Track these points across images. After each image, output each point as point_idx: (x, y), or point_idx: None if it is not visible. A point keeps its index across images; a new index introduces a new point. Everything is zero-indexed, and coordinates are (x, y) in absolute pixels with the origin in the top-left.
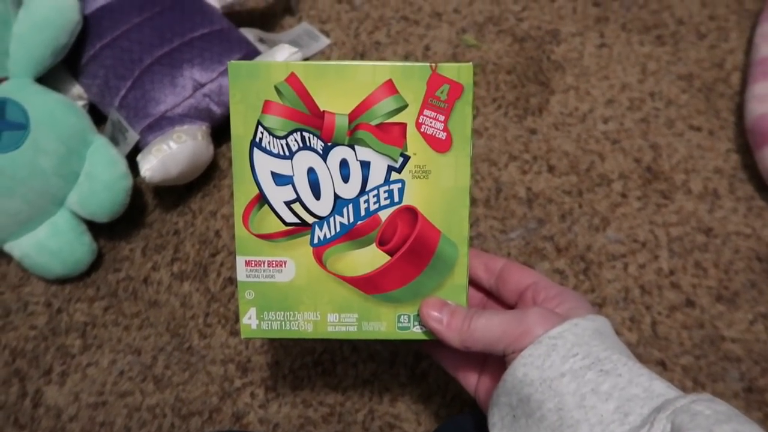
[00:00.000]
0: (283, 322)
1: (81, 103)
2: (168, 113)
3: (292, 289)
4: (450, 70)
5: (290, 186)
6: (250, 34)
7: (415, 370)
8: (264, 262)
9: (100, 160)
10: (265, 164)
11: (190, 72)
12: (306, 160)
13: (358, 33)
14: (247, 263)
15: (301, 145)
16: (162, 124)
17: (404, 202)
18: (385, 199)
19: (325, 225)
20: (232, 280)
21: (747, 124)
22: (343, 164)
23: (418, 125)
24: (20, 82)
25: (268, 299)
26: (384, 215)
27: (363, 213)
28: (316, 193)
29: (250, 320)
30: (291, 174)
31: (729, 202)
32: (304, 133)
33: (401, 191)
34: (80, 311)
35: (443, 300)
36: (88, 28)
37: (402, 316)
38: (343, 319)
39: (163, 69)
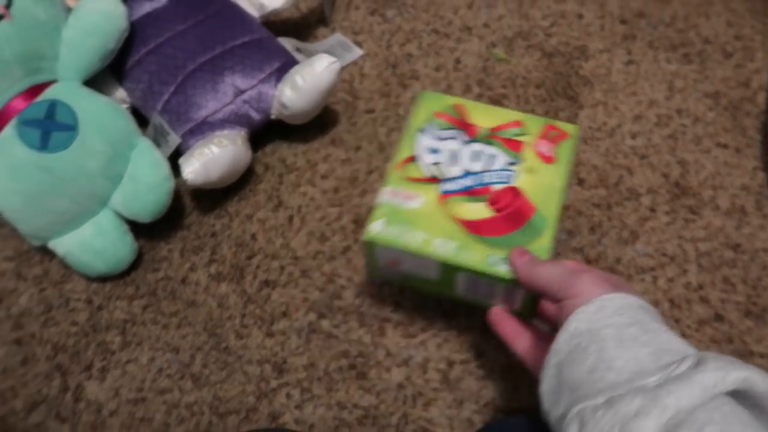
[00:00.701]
0: (399, 235)
1: (124, 106)
2: (209, 118)
3: (416, 214)
4: (562, 124)
5: (437, 155)
6: (287, 43)
7: (448, 376)
8: (402, 193)
9: (145, 162)
10: (424, 142)
11: (231, 79)
12: (453, 144)
13: (390, 45)
14: (391, 193)
15: (452, 136)
16: (203, 128)
17: (512, 184)
18: (499, 178)
19: (454, 182)
20: (268, 283)
21: None
22: (476, 152)
23: (534, 146)
24: (69, 85)
25: (397, 216)
26: (495, 187)
27: (482, 182)
28: (453, 163)
29: (377, 226)
30: (440, 150)
31: (756, 219)
32: (457, 131)
33: (511, 177)
34: (120, 309)
35: (527, 249)
36: (133, 34)
37: (491, 256)
38: (446, 244)
39: (205, 75)
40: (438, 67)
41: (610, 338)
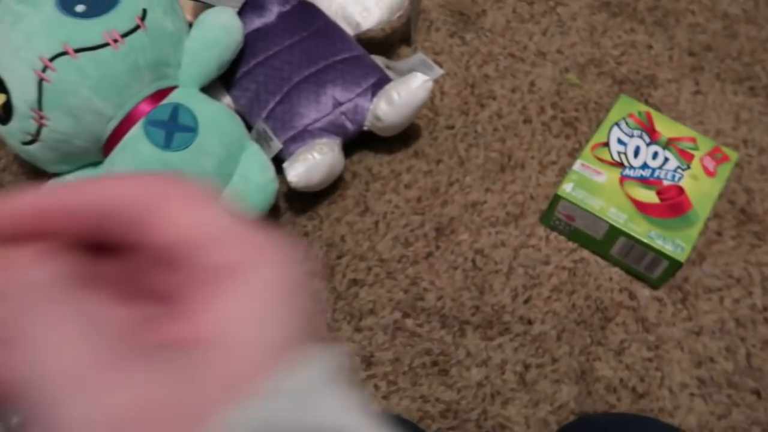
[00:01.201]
0: (584, 199)
1: None
2: (309, 127)
3: (599, 186)
4: (726, 149)
5: (624, 146)
6: (379, 60)
7: (525, 378)
8: (591, 168)
9: (254, 164)
10: (616, 133)
11: (332, 91)
12: (638, 141)
13: (469, 66)
14: (582, 165)
15: (639, 135)
16: (304, 136)
17: (678, 183)
18: (669, 176)
19: (633, 170)
20: (356, 281)
21: None
22: (655, 152)
23: (701, 160)
24: (189, 91)
25: (583, 183)
26: (665, 182)
27: (656, 175)
28: (635, 155)
29: (568, 187)
30: (627, 143)
31: None
32: (642, 133)
33: (679, 178)
34: None
35: None
36: (244, 47)
37: (651, 231)
38: (618, 214)
39: (309, 87)
40: (514, 88)
41: None
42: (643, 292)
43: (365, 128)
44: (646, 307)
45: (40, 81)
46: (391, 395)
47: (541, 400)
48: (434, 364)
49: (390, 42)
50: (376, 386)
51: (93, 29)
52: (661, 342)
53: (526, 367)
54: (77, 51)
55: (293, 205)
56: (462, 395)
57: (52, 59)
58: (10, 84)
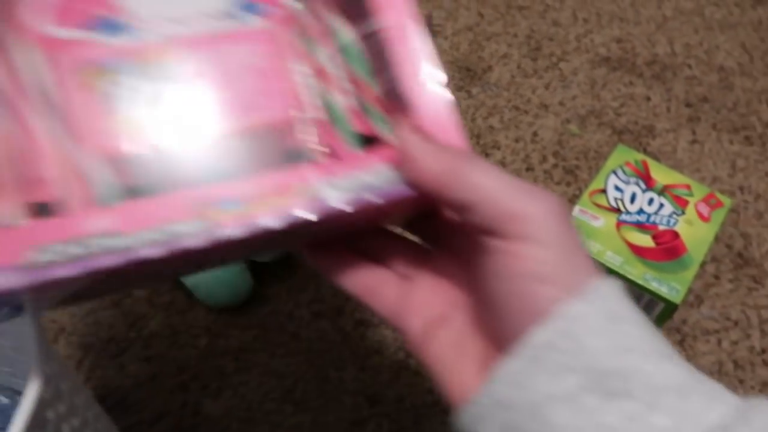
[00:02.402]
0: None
1: None
2: None
3: (596, 231)
4: (720, 195)
5: (621, 193)
6: None
7: None
8: (589, 213)
9: None
10: (613, 180)
11: None
12: (634, 188)
13: (475, 118)
14: (581, 211)
15: (635, 182)
16: None
17: (674, 228)
18: (665, 221)
19: (629, 215)
20: (363, 322)
21: None
22: (651, 198)
23: (696, 206)
24: None
25: (582, 228)
26: (661, 227)
27: (651, 221)
28: (632, 201)
29: None
30: (623, 189)
31: None
32: (638, 180)
33: (674, 223)
34: (234, 337)
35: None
36: None
37: (647, 275)
38: (615, 257)
39: None
40: (517, 138)
41: (560, 425)
42: None
43: None
44: None
45: None
46: None
47: None
48: (437, 403)
49: None
50: (379, 424)
51: None
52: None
53: None
54: None
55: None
56: None
57: None
58: None
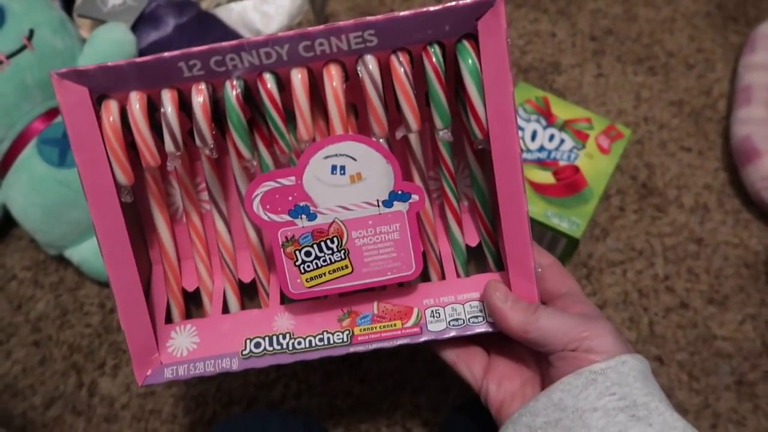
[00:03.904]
0: None
1: None
2: None
3: None
4: (620, 126)
5: (521, 131)
6: None
7: (432, 366)
8: None
9: None
10: None
11: None
12: (535, 125)
13: None
14: None
15: (534, 119)
16: None
17: (574, 162)
18: (565, 157)
19: (530, 153)
20: None
21: (732, 144)
22: (552, 134)
23: (596, 138)
24: None
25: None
26: (561, 163)
27: (552, 157)
28: (533, 139)
29: None
30: (524, 128)
31: (718, 215)
32: (540, 117)
33: (575, 158)
34: None
35: (507, 290)
36: None
37: (548, 211)
38: None
39: None
40: None
41: (596, 428)
42: None
43: None
44: None
45: None
46: (302, 394)
47: (450, 387)
48: (345, 359)
49: None
50: (286, 386)
51: None
52: None
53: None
54: None
55: None
56: (372, 387)
57: None
58: None
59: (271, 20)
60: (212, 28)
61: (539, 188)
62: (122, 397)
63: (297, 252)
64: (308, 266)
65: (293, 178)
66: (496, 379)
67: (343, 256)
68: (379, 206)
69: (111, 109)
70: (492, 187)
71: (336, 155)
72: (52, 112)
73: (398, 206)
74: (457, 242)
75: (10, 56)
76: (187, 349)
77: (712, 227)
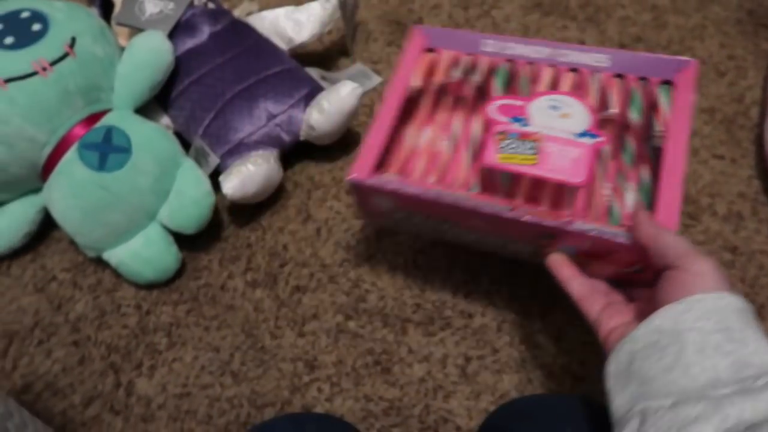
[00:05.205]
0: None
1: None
2: (245, 140)
3: None
4: None
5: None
6: (314, 72)
7: (466, 370)
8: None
9: (189, 180)
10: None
11: (265, 105)
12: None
13: None
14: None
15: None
16: (240, 149)
17: None
18: None
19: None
20: (299, 288)
21: (766, 152)
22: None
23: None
24: (123, 113)
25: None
26: None
27: None
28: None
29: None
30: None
31: (752, 224)
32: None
33: None
34: (166, 313)
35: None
36: (177, 67)
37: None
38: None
39: (241, 102)
40: None
41: (692, 343)
42: None
43: (302, 138)
44: None
45: None
46: (334, 397)
47: (483, 391)
48: (377, 363)
49: (330, 54)
50: (319, 389)
51: (21, 59)
52: None
53: (468, 359)
54: (6, 81)
55: (236, 217)
56: (404, 392)
57: None
58: None
59: (302, 28)
60: (246, 35)
61: None
62: (158, 398)
63: (503, 140)
64: (506, 150)
65: (523, 102)
66: (608, 315)
67: (533, 153)
68: (573, 136)
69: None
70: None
71: (556, 101)
72: (93, 118)
73: (586, 140)
74: (625, 184)
75: (53, 63)
76: (393, 180)
77: (747, 236)
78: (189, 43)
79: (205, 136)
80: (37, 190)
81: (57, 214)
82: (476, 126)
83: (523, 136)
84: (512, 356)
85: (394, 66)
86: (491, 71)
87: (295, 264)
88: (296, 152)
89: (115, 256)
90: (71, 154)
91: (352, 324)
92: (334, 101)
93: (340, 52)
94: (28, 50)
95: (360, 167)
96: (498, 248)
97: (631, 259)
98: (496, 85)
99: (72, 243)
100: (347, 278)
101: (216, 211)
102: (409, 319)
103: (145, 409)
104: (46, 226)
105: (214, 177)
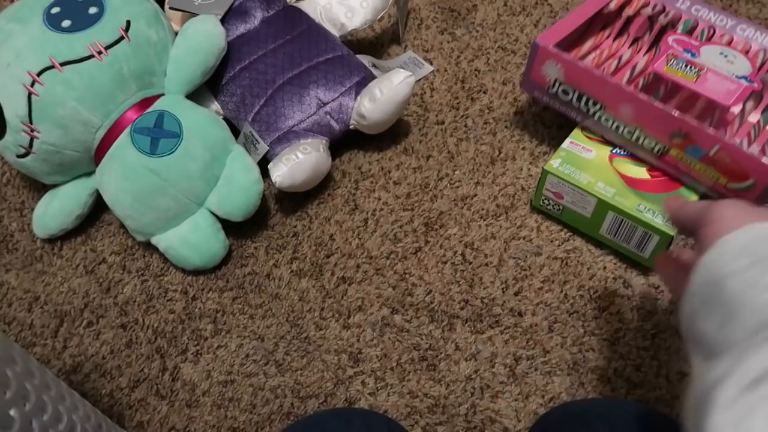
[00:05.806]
0: (571, 174)
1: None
2: (294, 128)
3: (587, 162)
4: None
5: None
6: (365, 60)
7: (515, 370)
8: (580, 145)
9: (239, 167)
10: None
11: (316, 92)
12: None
13: (459, 61)
14: (571, 143)
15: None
16: (289, 137)
17: None
18: None
19: (622, 149)
20: (345, 279)
21: None
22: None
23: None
24: (174, 98)
25: (571, 160)
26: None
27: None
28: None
29: (555, 162)
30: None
31: None
32: None
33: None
34: (212, 300)
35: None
36: (229, 53)
37: (640, 205)
38: (607, 188)
39: (292, 89)
40: (505, 81)
41: (731, 291)
42: (638, 280)
43: (351, 127)
44: (641, 296)
45: (29, 95)
46: (378, 391)
47: (532, 393)
48: (422, 359)
49: (381, 42)
50: (363, 383)
51: (78, 43)
52: (657, 330)
53: (517, 359)
54: (63, 64)
55: (283, 206)
56: (450, 390)
57: (39, 73)
58: (2, 99)
59: (355, 14)
60: (298, 21)
61: (631, 182)
62: (203, 384)
63: (672, 61)
64: (673, 66)
65: (697, 44)
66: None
67: (695, 75)
68: (732, 76)
69: None
70: None
71: (727, 52)
72: (146, 102)
73: (743, 82)
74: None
75: (108, 47)
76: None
77: None
78: (241, 29)
79: (254, 122)
80: (89, 173)
81: (108, 198)
82: (642, 62)
83: (690, 63)
84: (563, 358)
85: (446, 54)
86: (677, 19)
87: (341, 255)
88: (345, 142)
89: (163, 240)
90: (123, 138)
91: (398, 318)
92: (387, 90)
93: (391, 40)
94: (85, 33)
95: (549, 35)
96: (627, 142)
97: (747, 174)
98: (680, 29)
99: (122, 227)
100: (394, 271)
101: (263, 199)
102: (457, 315)
103: (189, 395)
104: (98, 209)
105: (263, 164)
